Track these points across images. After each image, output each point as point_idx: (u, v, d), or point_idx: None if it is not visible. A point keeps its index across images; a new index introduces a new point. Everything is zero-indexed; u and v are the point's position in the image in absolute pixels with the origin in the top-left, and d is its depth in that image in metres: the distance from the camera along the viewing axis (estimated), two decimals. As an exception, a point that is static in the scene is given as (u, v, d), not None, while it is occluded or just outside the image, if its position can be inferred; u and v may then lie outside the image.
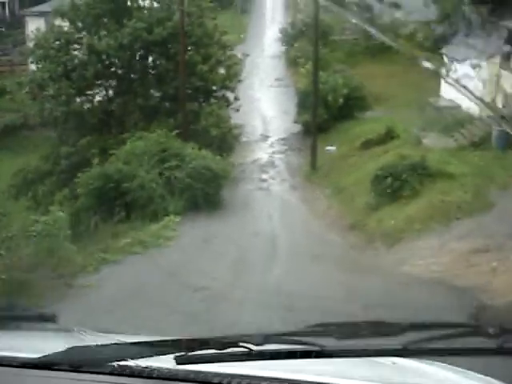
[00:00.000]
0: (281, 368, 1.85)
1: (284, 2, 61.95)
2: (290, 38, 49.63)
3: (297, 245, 15.73)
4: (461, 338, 1.72)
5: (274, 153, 33.21)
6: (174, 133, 22.99)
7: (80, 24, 29.50)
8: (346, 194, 22.17)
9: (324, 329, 1.87)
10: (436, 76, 36.47)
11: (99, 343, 1.75)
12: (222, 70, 29.98)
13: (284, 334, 1.88)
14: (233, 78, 29.87)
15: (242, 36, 55.16)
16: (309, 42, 37.40)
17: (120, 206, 20.43)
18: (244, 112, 37.92)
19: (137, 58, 28.97)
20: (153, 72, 29.20)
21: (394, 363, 2.09)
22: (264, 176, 29.07)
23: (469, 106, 30.76)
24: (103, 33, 28.43)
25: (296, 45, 47.35)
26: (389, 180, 17.40)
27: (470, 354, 1.70)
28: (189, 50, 28.17)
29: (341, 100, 33.91)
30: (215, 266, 12.61)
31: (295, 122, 35.67)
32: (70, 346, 1.73)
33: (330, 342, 1.79)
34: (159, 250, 14.46)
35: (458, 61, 32.85)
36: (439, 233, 14.32)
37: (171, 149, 21.81)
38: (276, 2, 61.56)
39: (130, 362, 1.72)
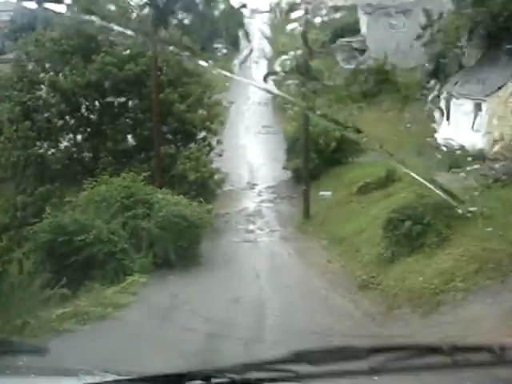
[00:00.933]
0: None
1: (270, 47, 58.59)
2: (276, 83, 45.99)
3: (291, 315, 11.24)
4: (420, 357, 1.79)
5: (262, 202, 29.05)
6: (142, 176, 18.59)
7: (45, 62, 25.55)
8: (347, 244, 17.89)
9: (299, 356, 1.85)
10: (430, 117, 32.90)
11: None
12: (203, 112, 25.86)
13: (264, 363, 1.89)
14: (214, 118, 25.83)
15: (227, 84, 51.80)
16: (297, 87, 33.83)
17: (74, 264, 15.98)
18: (229, 159, 34.16)
19: (107, 98, 24.87)
20: (125, 113, 25.05)
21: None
22: (251, 227, 24.76)
23: (473, 143, 27.02)
24: (69, 70, 24.47)
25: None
26: (407, 224, 13.12)
27: (429, 370, 1.77)
28: (164, 89, 24.13)
29: (333, 143, 29.91)
30: (165, 355, 7.87)
31: (284, 169, 31.60)
32: None
33: (305, 368, 1.79)
34: (96, 327, 9.91)
35: (459, 96, 29.16)
36: (494, 293, 9.91)
37: (138, 195, 17.51)
38: (262, 46, 58.27)
39: None
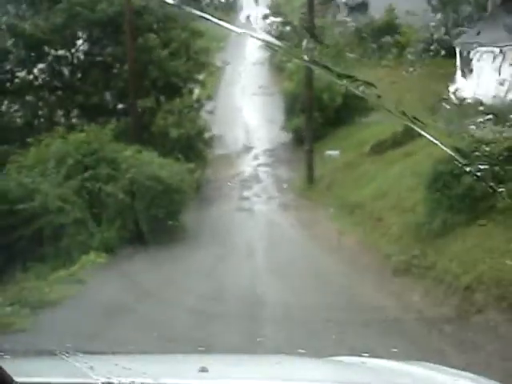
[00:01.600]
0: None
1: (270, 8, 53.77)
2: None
3: (303, 319, 7.15)
4: None
5: (258, 166, 25.08)
6: (111, 131, 14.50)
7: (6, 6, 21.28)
8: (363, 212, 13.93)
9: None
10: (448, 74, 28.68)
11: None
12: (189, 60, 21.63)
13: None
14: (201, 68, 21.60)
15: (221, 44, 47.33)
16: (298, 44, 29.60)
17: (21, 240, 12.11)
18: (223, 122, 30.16)
19: (76, 44, 20.63)
20: (97, 61, 20.83)
21: (362, 363, 2.02)
22: (246, 193, 20.82)
23: (496, 95, 22.85)
24: (31, 13, 20.26)
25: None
26: (466, 180, 8.68)
27: None
28: (143, 34, 19.92)
29: (339, 99, 25.75)
30: None
31: (283, 130, 27.48)
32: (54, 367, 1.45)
33: None
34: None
35: (482, 46, 24.90)
36: None
37: (101, 152, 13.40)
38: (261, 8, 53.44)
39: (114, 380, 1.46)
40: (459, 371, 2.02)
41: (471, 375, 1.98)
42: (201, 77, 21.09)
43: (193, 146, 19.56)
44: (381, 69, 33.25)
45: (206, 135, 20.81)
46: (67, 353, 1.61)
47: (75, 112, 19.90)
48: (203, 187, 20.81)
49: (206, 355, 1.96)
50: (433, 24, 33.22)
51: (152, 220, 12.95)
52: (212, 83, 38.31)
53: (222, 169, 24.55)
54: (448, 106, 26.33)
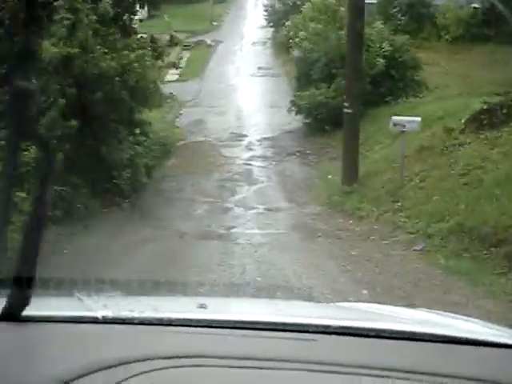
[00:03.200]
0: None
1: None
2: (278, 16, 31.51)
3: None
4: None
5: (252, 159, 14.98)
6: None
7: None
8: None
9: None
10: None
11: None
12: None
13: None
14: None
15: (214, 23, 37.42)
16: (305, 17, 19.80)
17: None
18: (207, 105, 20.83)
19: None
20: None
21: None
22: (228, 201, 10.72)
23: None
24: None
25: (288, 22, 29.32)
26: None
27: None
28: None
29: (381, 61, 15.74)
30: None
31: (292, 110, 17.45)
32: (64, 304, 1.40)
33: None
34: None
35: None
36: None
37: None
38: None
39: (110, 313, 1.30)
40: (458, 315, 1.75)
41: (478, 320, 1.64)
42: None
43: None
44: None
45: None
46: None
47: None
48: (145, 187, 10.70)
49: (206, 298, 1.78)
50: None
51: None
52: (196, 64, 28.36)
53: (194, 161, 14.45)
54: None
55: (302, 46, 17.40)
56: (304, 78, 17.01)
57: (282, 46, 30.44)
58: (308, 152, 15.24)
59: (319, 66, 16.20)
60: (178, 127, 18.27)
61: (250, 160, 14.70)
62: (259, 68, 27.85)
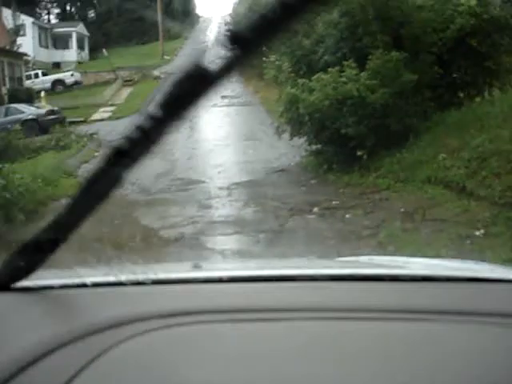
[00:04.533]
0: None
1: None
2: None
3: None
4: None
5: (209, 229, 6.12)
6: None
7: None
8: None
9: None
10: None
11: None
12: None
13: None
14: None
15: (166, 57, 29.67)
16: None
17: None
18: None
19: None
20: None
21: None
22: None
23: None
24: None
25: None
26: None
27: None
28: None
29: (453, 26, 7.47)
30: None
31: (283, 131, 8.90)
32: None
33: None
34: None
35: None
36: None
37: None
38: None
39: (101, 279, 1.16)
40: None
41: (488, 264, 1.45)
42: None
43: None
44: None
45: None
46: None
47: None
48: None
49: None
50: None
51: None
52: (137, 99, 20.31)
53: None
54: None
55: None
56: (304, 67, 8.60)
57: (251, 72, 22.69)
58: (336, 205, 6.69)
59: (334, 36, 7.87)
60: (74, 176, 9.62)
61: (203, 234, 6.06)
62: (223, 97, 19.70)
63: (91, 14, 37.89)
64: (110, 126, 16.76)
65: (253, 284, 1.09)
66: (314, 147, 8.99)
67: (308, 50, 8.56)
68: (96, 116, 18.64)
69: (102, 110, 19.75)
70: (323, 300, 0.99)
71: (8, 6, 26.82)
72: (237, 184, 8.53)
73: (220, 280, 1.09)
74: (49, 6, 36.86)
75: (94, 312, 1.00)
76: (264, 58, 18.53)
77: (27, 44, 28.25)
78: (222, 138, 13.95)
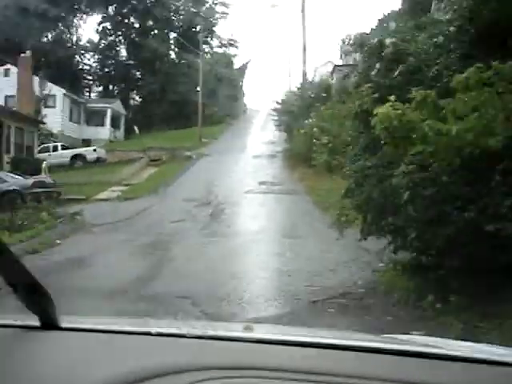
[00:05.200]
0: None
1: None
2: (291, 117, 20.51)
3: None
4: None
5: None
6: None
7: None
8: None
9: None
10: None
11: None
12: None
13: None
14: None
15: (204, 140, 26.57)
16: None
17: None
18: (128, 230, 10.31)
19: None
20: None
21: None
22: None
23: None
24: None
25: (308, 121, 18.00)
26: None
27: None
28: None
29: None
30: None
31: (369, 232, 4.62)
32: None
33: None
34: None
35: None
36: None
37: None
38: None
39: (153, 330, 1.22)
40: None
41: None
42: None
43: None
44: None
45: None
46: None
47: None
48: None
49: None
50: None
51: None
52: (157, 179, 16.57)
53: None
54: None
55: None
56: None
57: (298, 158, 18.89)
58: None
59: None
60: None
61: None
62: (261, 183, 15.85)
63: (133, 94, 35.79)
64: (112, 206, 13.15)
65: (299, 348, 1.14)
66: (409, 256, 4.66)
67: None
68: (102, 195, 15.04)
69: (112, 188, 16.19)
70: (364, 369, 1.02)
71: (47, 79, 24.44)
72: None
73: (270, 342, 1.17)
74: (91, 83, 34.91)
75: (157, 358, 1.06)
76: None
77: (55, 116, 25.65)
78: (252, 232, 9.78)
